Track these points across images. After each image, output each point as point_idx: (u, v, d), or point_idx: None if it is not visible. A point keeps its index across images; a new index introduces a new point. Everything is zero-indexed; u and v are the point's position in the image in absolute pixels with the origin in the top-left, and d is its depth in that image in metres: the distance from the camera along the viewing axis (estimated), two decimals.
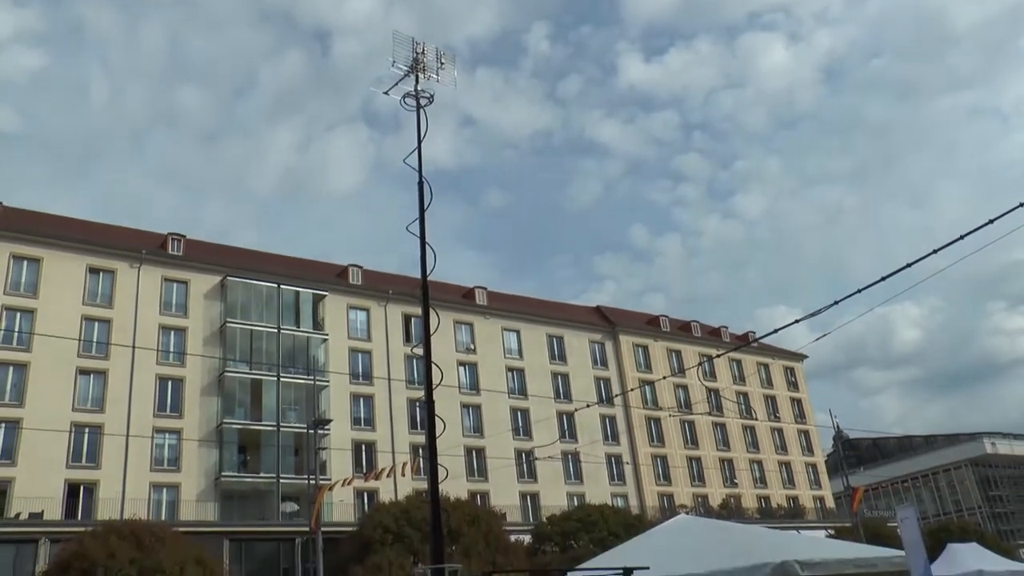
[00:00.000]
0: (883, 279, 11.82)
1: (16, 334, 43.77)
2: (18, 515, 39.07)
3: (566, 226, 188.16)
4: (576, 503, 53.21)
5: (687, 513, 30.12)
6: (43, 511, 39.55)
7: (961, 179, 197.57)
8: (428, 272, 13.45)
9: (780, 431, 73.54)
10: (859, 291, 12.27)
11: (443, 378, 13.56)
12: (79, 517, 41.02)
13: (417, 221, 13.67)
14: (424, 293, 13.58)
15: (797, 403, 76.55)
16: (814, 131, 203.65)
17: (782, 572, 13.73)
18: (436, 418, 12.26)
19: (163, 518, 41.19)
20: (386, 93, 13.56)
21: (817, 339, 30.84)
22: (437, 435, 12.00)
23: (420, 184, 13.90)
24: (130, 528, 33.23)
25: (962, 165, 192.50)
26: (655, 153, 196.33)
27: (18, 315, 44.34)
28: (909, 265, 11.55)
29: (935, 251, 11.38)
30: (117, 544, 31.66)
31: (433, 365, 12.81)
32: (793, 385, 77.26)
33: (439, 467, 11.73)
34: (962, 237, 11.23)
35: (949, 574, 23.51)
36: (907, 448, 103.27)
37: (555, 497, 56.20)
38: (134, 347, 45.45)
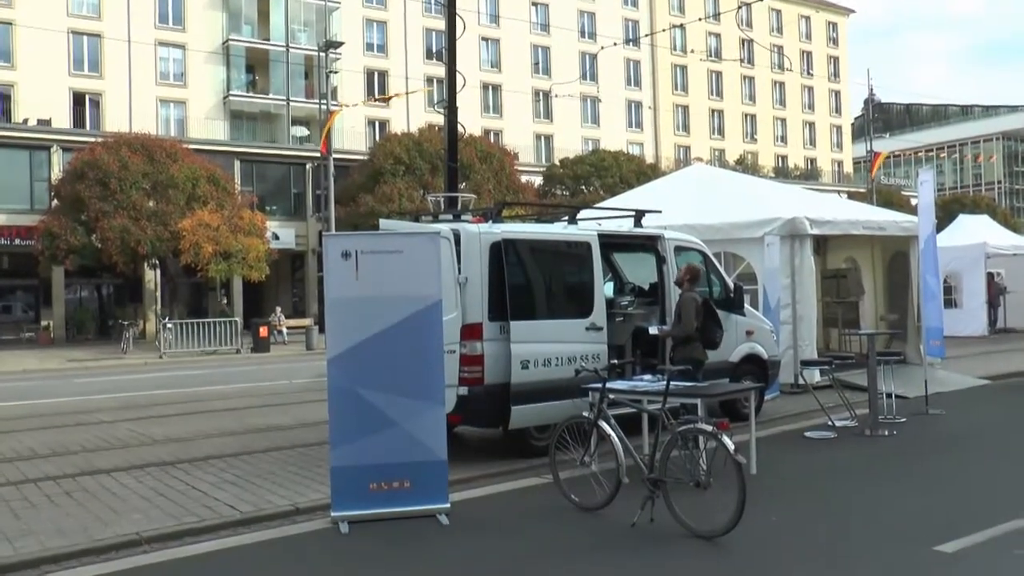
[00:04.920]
0: None
1: None
2: (26, 120, 39.80)
3: None
4: (591, 147, 53.96)
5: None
6: (50, 118, 40.24)
7: None
8: None
9: (811, 89, 72.46)
10: None
11: None
12: (87, 127, 41.85)
13: None
14: None
15: (834, 61, 74.60)
16: None
17: (792, 227, 14.26)
18: (456, 16, 11.76)
19: (172, 135, 41.88)
20: None
21: None
22: (457, 36, 11.59)
23: None
24: (141, 141, 34.00)
25: None
26: None
27: None
28: None
29: None
30: (129, 156, 32.62)
31: None
32: (833, 42, 74.76)
33: (457, 75, 11.45)
34: None
35: (955, 244, 24.46)
36: (940, 117, 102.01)
37: (570, 140, 56.81)
38: None
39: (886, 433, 10.48)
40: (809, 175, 68.09)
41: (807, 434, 10.63)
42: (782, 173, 65.55)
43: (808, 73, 71.88)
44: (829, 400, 11.54)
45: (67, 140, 38.20)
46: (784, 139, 70.72)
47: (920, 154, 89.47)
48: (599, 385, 7.38)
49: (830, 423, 10.88)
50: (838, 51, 75.08)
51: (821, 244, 17.70)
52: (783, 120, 70.61)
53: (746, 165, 60.71)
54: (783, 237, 13.90)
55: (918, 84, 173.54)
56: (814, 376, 13.29)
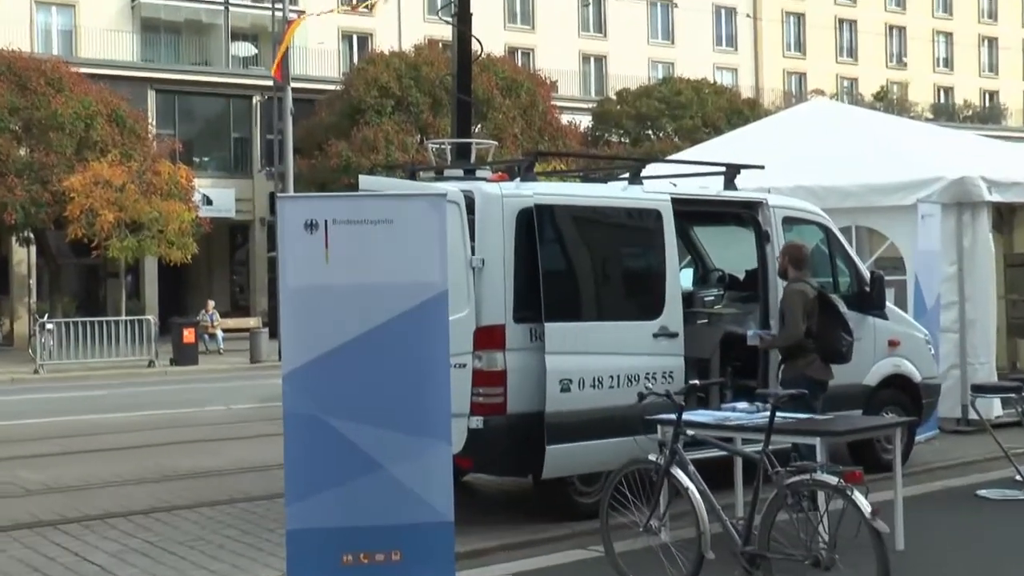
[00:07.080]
0: None
1: None
2: None
3: None
4: (661, 75, 53.82)
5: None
6: None
7: None
8: None
9: None
10: None
11: None
12: None
13: None
14: None
15: None
16: None
17: (960, 191, 14.15)
18: None
19: (55, 54, 41.99)
20: None
21: None
22: None
23: None
24: (8, 62, 34.20)
25: None
26: None
27: None
28: None
29: None
30: None
31: None
32: None
33: None
34: None
35: None
36: None
37: (631, 64, 56.56)
38: None
39: None
40: (988, 116, 67.57)
41: (980, 492, 10.58)
42: (945, 113, 65.14)
43: None
44: (1016, 443, 11.47)
45: None
46: (949, 63, 70.12)
47: None
48: (673, 416, 7.40)
49: (1019, 477, 10.80)
50: None
51: (1005, 217, 17.55)
52: (947, 35, 70.02)
53: (890, 101, 60.36)
54: (946, 206, 13.82)
55: None
56: (992, 408, 13.19)
